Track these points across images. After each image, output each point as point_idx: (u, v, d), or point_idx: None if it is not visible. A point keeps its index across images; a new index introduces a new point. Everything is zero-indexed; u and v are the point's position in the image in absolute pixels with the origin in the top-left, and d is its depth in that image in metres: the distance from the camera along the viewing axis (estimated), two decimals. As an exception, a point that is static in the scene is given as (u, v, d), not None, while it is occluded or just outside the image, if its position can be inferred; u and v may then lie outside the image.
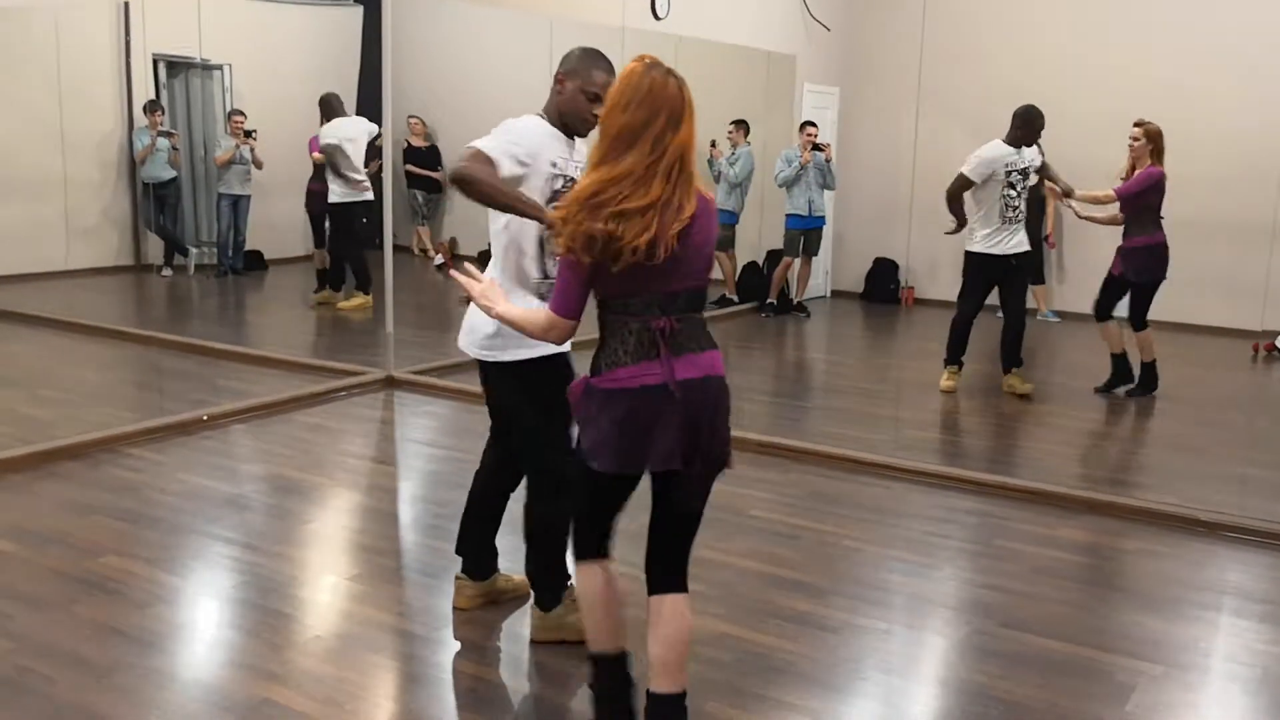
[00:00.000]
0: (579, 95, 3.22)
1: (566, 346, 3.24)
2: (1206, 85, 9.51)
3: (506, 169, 3.08)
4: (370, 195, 9.39)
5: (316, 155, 9.53)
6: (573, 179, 3.25)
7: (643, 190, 2.55)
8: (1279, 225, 9.36)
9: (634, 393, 2.61)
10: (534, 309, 2.80)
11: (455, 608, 3.74)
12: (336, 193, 9.38)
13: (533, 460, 3.45)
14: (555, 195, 3.21)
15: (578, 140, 3.33)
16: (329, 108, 9.51)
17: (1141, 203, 7.01)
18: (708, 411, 2.66)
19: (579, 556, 2.86)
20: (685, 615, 2.77)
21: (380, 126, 9.34)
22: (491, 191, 3.03)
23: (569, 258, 2.61)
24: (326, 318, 9.59)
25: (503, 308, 2.78)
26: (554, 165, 3.24)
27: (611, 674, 2.86)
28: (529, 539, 3.51)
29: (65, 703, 3.07)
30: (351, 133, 9.36)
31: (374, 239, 8.58)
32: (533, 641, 3.53)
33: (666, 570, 2.79)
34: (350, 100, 10.66)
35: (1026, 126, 6.92)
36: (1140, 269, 7.05)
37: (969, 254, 7.15)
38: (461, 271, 2.87)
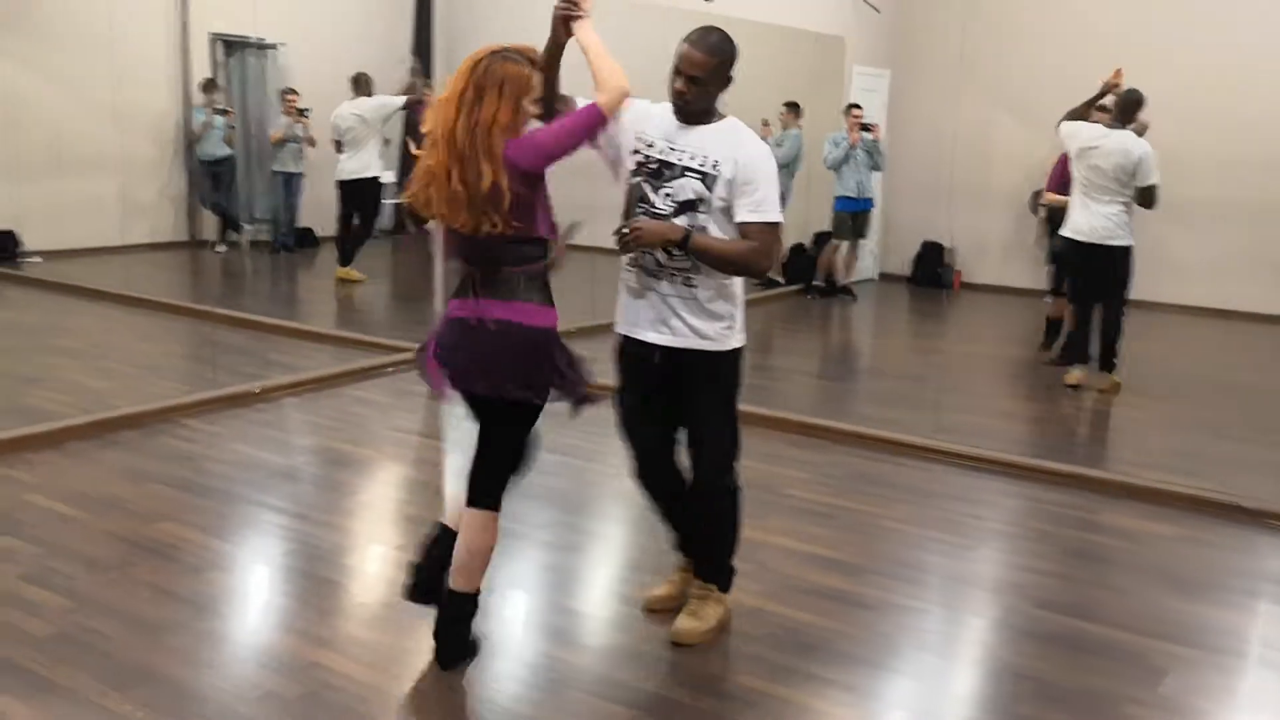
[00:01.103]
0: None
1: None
2: (1255, 66, 9.38)
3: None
4: (365, 174, 9.49)
5: None
6: (659, 160, 3.23)
7: (432, 156, 2.96)
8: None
9: (450, 321, 3.11)
10: None
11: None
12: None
13: (732, 438, 3.44)
14: (637, 168, 3.28)
15: (701, 128, 3.23)
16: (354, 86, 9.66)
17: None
18: (509, 344, 3.04)
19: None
20: (482, 530, 3.17)
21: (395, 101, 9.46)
22: None
23: None
24: (377, 295, 9.72)
25: None
26: (640, 139, 3.27)
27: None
28: (712, 520, 3.50)
29: (123, 660, 3.19)
30: (347, 112, 9.47)
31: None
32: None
33: (475, 487, 3.19)
34: (399, 79, 10.74)
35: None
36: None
37: (1131, 248, 6.77)
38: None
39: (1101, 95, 6.86)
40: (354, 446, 5.36)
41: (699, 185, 3.19)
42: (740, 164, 3.16)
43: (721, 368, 3.33)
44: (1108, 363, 6.86)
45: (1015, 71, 10.50)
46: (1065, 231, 6.80)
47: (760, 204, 3.16)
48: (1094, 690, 3.23)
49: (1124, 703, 3.17)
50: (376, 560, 4.12)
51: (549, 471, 4.80)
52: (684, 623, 3.46)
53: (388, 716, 2.99)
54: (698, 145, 3.20)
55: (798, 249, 10.90)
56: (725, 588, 3.55)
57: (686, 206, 3.21)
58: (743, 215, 3.17)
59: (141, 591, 3.64)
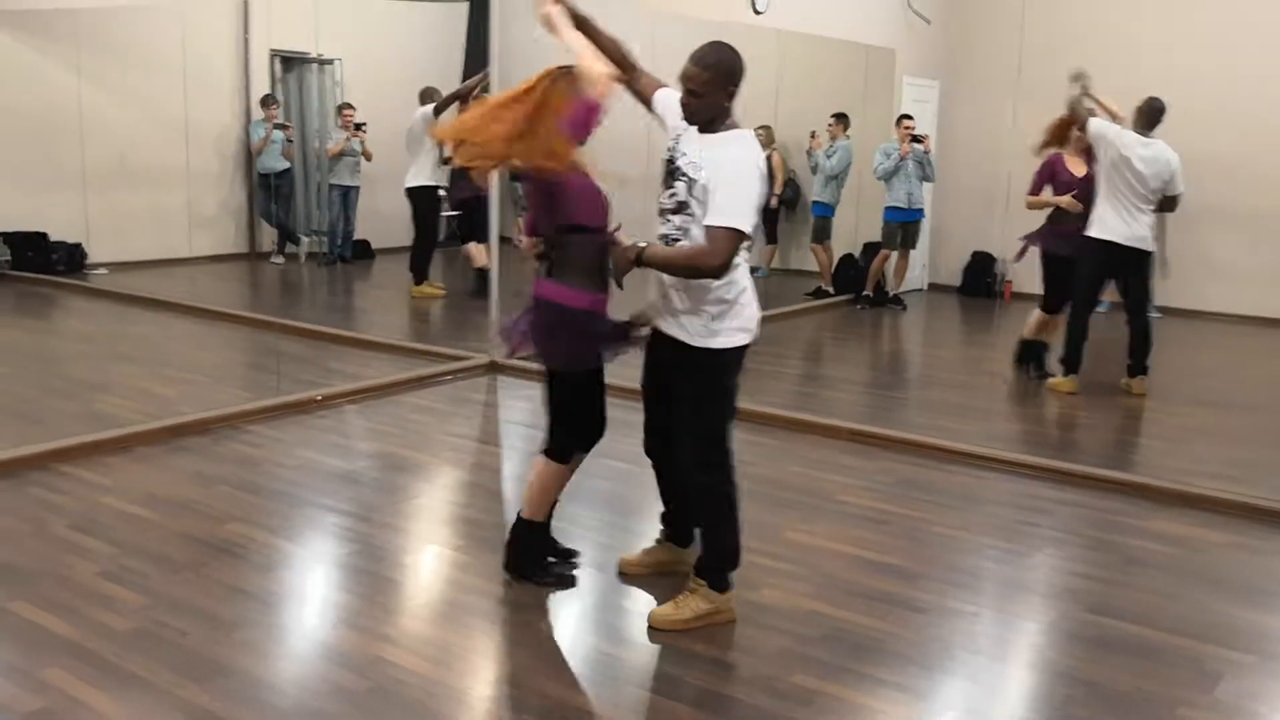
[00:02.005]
0: None
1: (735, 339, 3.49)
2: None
3: (663, 95, 3.59)
4: (412, 183, 9.61)
5: None
6: (671, 163, 3.41)
7: None
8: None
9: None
10: None
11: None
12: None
13: (703, 439, 3.54)
14: (663, 166, 3.46)
15: (705, 136, 3.37)
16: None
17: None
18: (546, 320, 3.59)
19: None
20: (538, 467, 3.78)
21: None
22: None
23: None
24: (431, 305, 9.86)
25: None
26: (671, 141, 3.47)
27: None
28: (699, 516, 3.65)
29: (196, 654, 3.31)
30: (410, 124, 9.63)
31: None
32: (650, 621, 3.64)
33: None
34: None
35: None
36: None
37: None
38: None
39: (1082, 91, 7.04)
40: (413, 452, 5.48)
41: (685, 190, 3.34)
42: (713, 173, 3.28)
43: (690, 363, 3.44)
44: (1144, 367, 6.98)
45: (1067, 81, 10.45)
46: (1102, 235, 6.72)
47: (720, 209, 3.24)
48: (1147, 694, 3.25)
49: (1178, 706, 3.19)
50: (436, 560, 4.23)
51: (604, 476, 4.88)
52: (662, 609, 3.58)
53: (454, 710, 3.09)
54: (695, 151, 3.35)
55: (848, 259, 10.93)
56: (717, 587, 3.59)
57: (679, 209, 3.37)
58: (704, 219, 3.28)
59: (213, 589, 3.77)
